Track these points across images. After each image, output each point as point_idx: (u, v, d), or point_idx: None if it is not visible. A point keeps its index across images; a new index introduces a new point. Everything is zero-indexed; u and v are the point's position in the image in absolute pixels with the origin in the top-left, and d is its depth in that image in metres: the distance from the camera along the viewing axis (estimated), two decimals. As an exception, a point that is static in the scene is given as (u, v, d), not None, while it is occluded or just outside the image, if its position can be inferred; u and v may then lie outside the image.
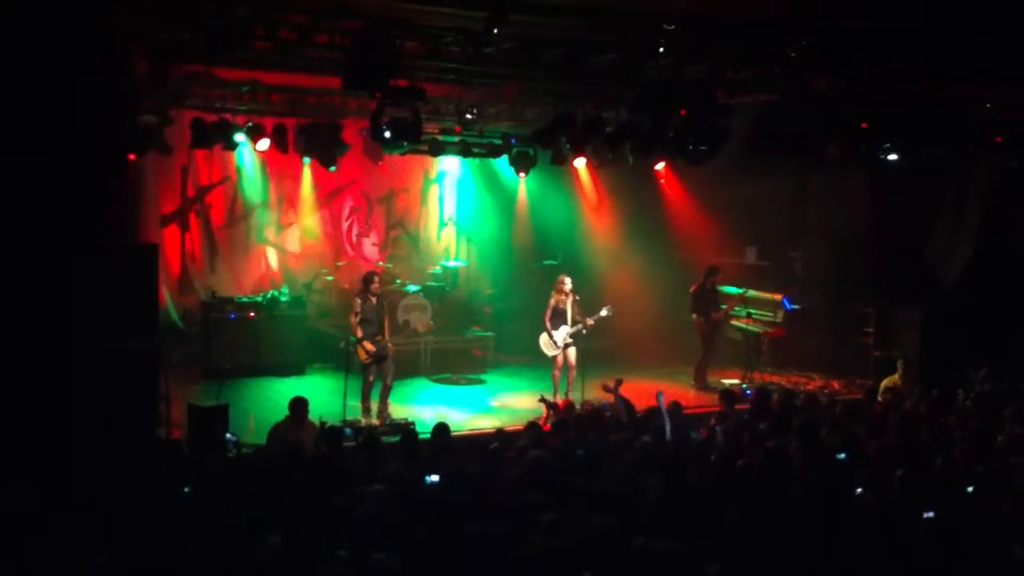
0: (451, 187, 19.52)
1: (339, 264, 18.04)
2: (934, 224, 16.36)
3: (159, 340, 11.87)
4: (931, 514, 7.80)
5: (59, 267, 10.23)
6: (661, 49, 10.88)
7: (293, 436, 10.36)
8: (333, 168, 15.39)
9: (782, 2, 9.78)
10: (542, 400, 12.41)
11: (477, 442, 10.71)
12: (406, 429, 11.65)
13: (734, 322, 16.39)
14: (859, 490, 8.64)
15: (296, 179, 17.78)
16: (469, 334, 17.37)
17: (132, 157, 13.21)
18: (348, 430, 11.63)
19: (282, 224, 17.93)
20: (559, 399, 13.83)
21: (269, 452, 10.12)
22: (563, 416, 11.52)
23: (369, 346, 12.94)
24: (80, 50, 9.75)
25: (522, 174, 16.09)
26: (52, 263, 10.18)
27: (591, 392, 13.75)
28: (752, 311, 16.09)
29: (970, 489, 8.61)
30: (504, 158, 15.99)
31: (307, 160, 16.75)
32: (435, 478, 8.63)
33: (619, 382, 12.00)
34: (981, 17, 9.71)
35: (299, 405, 10.90)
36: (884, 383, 13.76)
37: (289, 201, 17.91)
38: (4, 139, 9.83)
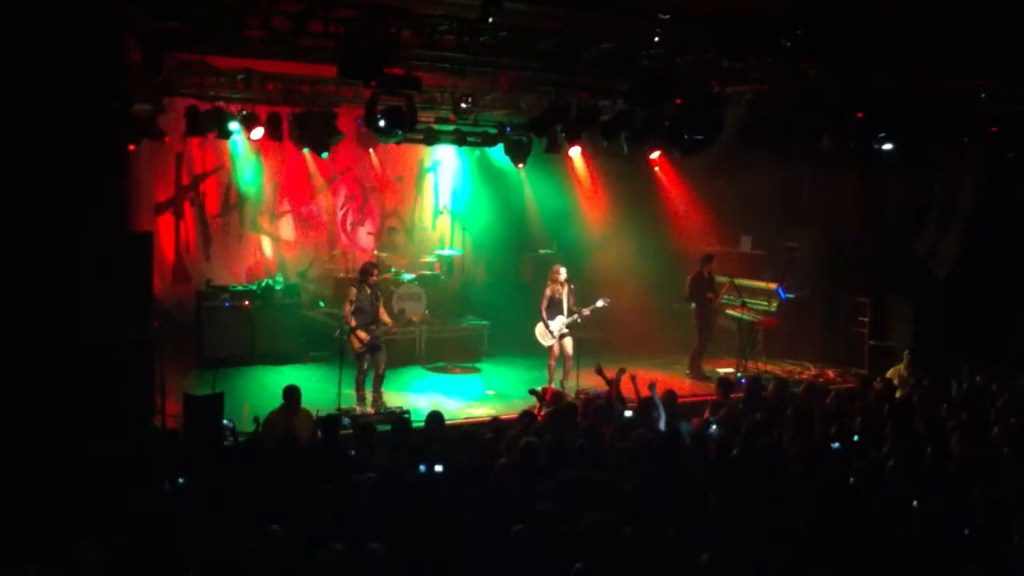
0: (446, 176, 19.50)
1: (334, 253, 18.05)
2: (926, 215, 16.39)
3: (153, 329, 11.86)
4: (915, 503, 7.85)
5: (52, 256, 10.21)
6: (656, 39, 10.87)
7: (287, 424, 10.38)
8: (325, 154, 15.38)
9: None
10: (531, 392, 12.41)
11: (472, 431, 10.70)
12: (400, 418, 11.68)
13: (729, 311, 16.40)
14: (852, 480, 8.67)
15: (291, 167, 17.75)
16: (464, 323, 17.38)
17: (132, 147, 13.17)
18: (346, 419, 11.65)
19: (276, 212, 17.92)
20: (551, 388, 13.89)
21: (263, 441, 10.12)
22: (552, 405, 11.51)
23: (363, 335, 12.96)
24: (72, 39, 9.72)
25: (520, 165, 16.05)
26: (45, 252, 10.16)
27: (587, 381, 13.78)
28: (747, 300, 16.11)
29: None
30: (499, 147, 15.97)
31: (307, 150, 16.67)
32: (438, 468, 8.66)
33: (622, 371, 11.98)
34: (976, 8, 9.72)
35: (292, 393, 10.91)
36: (890, 373, 13.78)
37: (283, 190, 17.89)
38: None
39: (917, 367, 13.77)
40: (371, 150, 18.06)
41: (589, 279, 16.15)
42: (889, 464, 8.76)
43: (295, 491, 7.91)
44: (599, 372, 12.12)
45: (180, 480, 8.40)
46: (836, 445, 9.83)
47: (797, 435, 9.95)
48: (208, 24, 9.90)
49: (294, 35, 10.31)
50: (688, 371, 15.81)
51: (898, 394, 12.44)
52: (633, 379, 11.73)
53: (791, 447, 9.64)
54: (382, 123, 12.03)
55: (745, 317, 16.09)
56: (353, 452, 9.64)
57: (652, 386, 11.41)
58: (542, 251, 18.50)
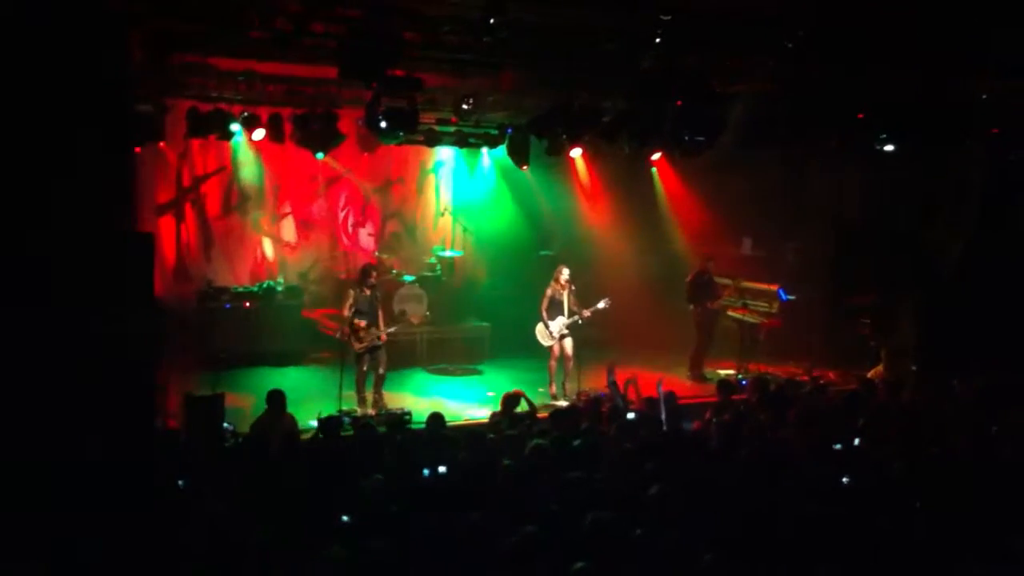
0: (447, 177, 19.46)
1: (336, 254, 18.03)
2: (930, 216, 16.36)
3: (155, 330, 11.83)
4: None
5: (55, 256, 10.19)
6: (657, 39, 10.85)
7: (271, 429, 10.35)
8: (321, 155, 15.35)
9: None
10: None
11: (473, 432, 10.67)
12: (401, 419, 11.65)
13: (730, 312, 16.37)
14: (854, 480, 8.65)
15: (292, 169, 17.72)
16: (465, 324, 17.34)
17: (137, 150, 13.15)
18: (347, 419, 11.63)
19: (278, 214, 17.89)
20: (553, 389, 13.87)
21: (253, 444, 10.09)
22: (505, 408, 11.41)
23: (362, 335, 12.94)
24: (74, 37, 9.70)
25: (524, 167, 15.97)
26: (48, 251, 10.15)
27: (587, 382, 13.77)
28: (748, 301, 16.07)
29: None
30: (501, 148, 15.94)
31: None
32: (441, 469, 8.65)
33: (612, 367, 11.92)
34: (981, 8, 9.70)
35: (276, 398, 10.87)
36: (869, 374, 13.79)
37: (285, 191, 17.87)
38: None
39: (896, 367, 13.78)
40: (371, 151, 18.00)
41: (590, 280, 16.13)
42: (894, 465, 8.73)
43: (296, 492, 7.90)
44: (610, 372, 11.96)
45: (180, 482, 8.39)
46: (838, 446, 9.81)
47: (802, 436, 9.91)
48: (211, 23, 9.88)
49: (296, 35, 10.31)
50: (688, 372, 15.77)
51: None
52: (634, 381, 11.70)
53: (796, 448, 9.61)
54: (383, 124, 12.01)
55: (747, 318, 16.06)
56: (354, 453, 9.62)
57: (659, 384, 11.36)
58: (542, 252, 18.46)
